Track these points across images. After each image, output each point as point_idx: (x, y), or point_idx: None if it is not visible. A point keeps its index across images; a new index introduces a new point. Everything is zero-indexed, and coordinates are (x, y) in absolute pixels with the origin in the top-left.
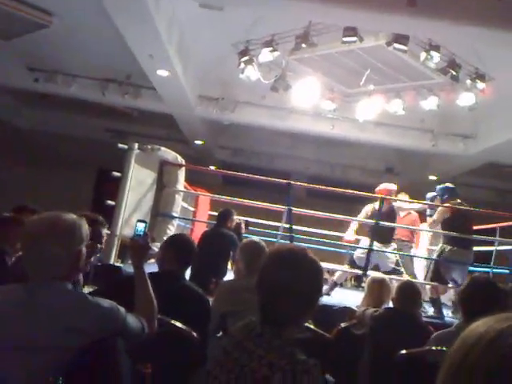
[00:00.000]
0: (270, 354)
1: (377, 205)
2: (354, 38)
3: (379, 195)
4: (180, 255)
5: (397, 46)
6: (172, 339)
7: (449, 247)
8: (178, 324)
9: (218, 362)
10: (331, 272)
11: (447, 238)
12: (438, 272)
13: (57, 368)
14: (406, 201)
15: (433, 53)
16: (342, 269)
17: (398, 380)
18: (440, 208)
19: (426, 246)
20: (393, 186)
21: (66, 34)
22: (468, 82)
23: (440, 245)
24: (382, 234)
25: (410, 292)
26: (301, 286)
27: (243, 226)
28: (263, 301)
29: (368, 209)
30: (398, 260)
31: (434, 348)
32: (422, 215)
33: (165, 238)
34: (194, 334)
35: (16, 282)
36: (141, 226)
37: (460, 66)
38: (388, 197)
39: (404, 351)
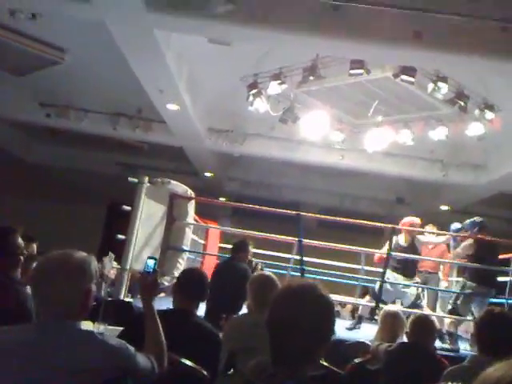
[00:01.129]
0: None
1: (400, 238)
2: (361, 71)
3: (402, 227)
4: (191, 292)
5: (404, 77)
6: (181, 378)
7: (469, 283)
8: (188, 362)
9: None
10: (343, 304)
11: (469, 274)
12: (457, 306)
13: None
14: (433, 232)
15: (440, 84)
16: (357, 301)
17: None
18: (465, 243)
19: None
20: (416, 220)
21: (77, 69)
22: (476, 112)
23: (461, 279)
24: (406, 267)
25: (424, 326)
26: (311, 323)
27: (259, 267)
28: (274, 339)
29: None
30: (418, 294)
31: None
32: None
33: (175, 272)
34: (204, 372)
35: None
36: (151, 263)
37: (468, 96)
38: (412, 228)
39: None
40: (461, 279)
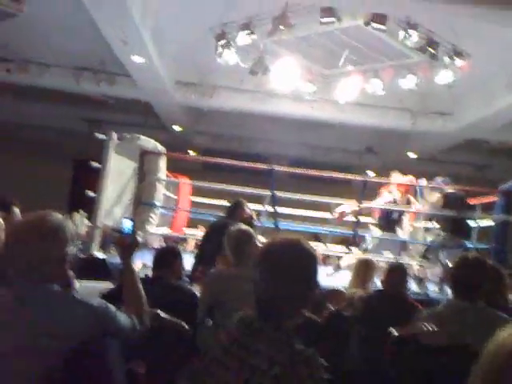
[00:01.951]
0: (270, 349)
1: (396, 195)
2: (332, 19)
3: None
4: (166, 262)
5: (375, 25)
6: (161, 333)
7: (444, 233)
8: (167, 316)
9: (215, 359)
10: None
11: (444, 225)
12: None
13: (47, 372)
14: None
15: (411, 31)
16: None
17: (389, 361)
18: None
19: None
20: (413, 178)
21: (37, 21)
22: (446, 59)
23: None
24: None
25: (398, 273)
26: (296, 278)
27: (255, 217)
28: (259, 295)
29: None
30: None
31: (425, 328)
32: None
33: (147, 227)
34: (184, 325)
35: None
36: (128, 224)
37: (438, 43)
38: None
39: (394, 332)
40: (431, 225)
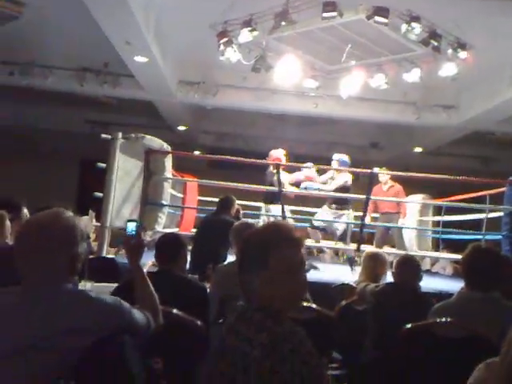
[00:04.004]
0: (250, 331)
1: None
2: (334, 13)
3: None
4: (167, 255)
5: (377, 18)
6: (175, 330)
7: None
8: (180, 313)
9: (215, 349)
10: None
11: None
12: None
13: (61, 369)
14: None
15: (414, 24)
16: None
17: (403, 354)
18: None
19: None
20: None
21: (39, 24)
22: (449, 51)
23: None
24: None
25: (409, 265)
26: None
27: (241, 212)
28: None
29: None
30: (345, 230)
31: (438, 320)
32: None
33: (156, 227)
34: (198, 322)
35: None
36: (132, 226)
37: (441, 36)
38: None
39: (408, 325)
40: None
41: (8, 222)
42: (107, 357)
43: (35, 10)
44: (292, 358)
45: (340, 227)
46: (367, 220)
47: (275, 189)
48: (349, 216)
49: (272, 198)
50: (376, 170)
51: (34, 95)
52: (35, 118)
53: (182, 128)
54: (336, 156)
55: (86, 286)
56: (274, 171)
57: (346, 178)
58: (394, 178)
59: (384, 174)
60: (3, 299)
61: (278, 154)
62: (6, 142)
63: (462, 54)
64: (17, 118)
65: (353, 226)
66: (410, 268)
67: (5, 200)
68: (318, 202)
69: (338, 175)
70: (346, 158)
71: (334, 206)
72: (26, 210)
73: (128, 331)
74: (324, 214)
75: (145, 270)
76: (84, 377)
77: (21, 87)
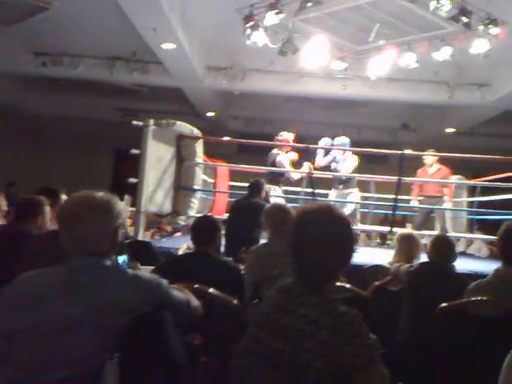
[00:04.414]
0: (312, 312)
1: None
2: None
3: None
4: (202, 238)
5: None
6: (212, 309)
7: None
8: (216, 292)
9: (260, 326)
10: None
11: None
12: None
13: (108, 345)
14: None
15: (443, 1)
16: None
17: (439, 333)
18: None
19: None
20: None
21: (67, 14)
22: (481, 28)
23: None
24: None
25: (444, 244)
26: (333, 245)
27: (269, 194)
28: (297, 260)
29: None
30: (354, 210)
31: (473, 299)
32: None
33: (189, 212)
34: (234, 301)
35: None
36: (122, 260)
37: (471, 12)
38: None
39: (444, 304)
40: None
41: (47, 208)
42: (147, 332)
43: (64, 0)
44: (355, 341)
45: (347, 209)
46: (414, 203)
47: (300, 172)
48: (354, 196)
49: (277, 180)
50: (408, 151)
51: (67, 85)
52: (68, 108)
53: (210, 114)
54: (338, 140)
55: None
56: (282, 152)
57: (355, 159)
58: (441, 161)
59: (429, 157)
60: (47, 278)
61: (289, 137)
62: (42, 131)
63: (494, 30)
64: (51, 107)
65: (359, 206)
66: (444, 247)
67: (44, 187)
68: (325, 183)
69: (349, 157)
70: (347, 140)
71: (340, 186)
72: (64, 196)
73: (166, 307)
74: (332, 195)
75: (180, 253)
76: (126, 352)
77: (53, 77)
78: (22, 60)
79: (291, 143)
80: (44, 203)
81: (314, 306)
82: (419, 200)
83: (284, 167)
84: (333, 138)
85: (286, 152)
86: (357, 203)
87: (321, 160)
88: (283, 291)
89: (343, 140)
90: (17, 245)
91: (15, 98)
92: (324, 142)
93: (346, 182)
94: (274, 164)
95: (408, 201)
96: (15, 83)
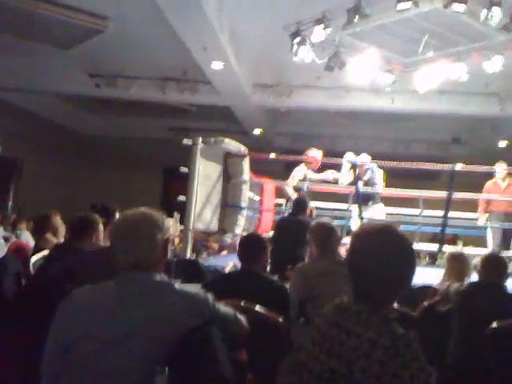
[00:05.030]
0: (369, 332)
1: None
2: (409, 4)
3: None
4: (249, 256)
5: (455, 6)
6: (258, 327)
7: None
8: (262, 310)
9: (315, 342)
10: None
11: None
12: None
13: (158, 358)
14: None
15: (494, 9)
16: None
17: (491, 353)
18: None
19: None
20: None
21: (121, 36)
22: None
23: None
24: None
25: (495, 263)
26: (394, 265)
27: (314, 211)
28: (357, 281)
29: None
30: None
31: None
32: None
33: (235, 229)
34: (280, 318)
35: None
36: None
37: None
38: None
39: (495, 324)
40: None
41: (101, 226)
42: (196, 347)
43: (117, 22)
44: (412, 365)
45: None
46: (481, 220)
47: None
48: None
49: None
50: (459, 165)
51: (120, 105)
52: (121, 128)
53: (257, 132)
54: (361, 158)
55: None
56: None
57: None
58: None
59: (502, 170)
60: (99, 292)
61: (316, 155)
62: (97, 150)
63: None
64: (104, 127)
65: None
66: (495, 266)
67: (100, 206)
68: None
69: (377, 173)
70: (369, 157)
71: (370, 203)
72: (118, 215)
73: (214, 322)
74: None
75: (227, 271)
76: (175, 366)
77: (107, 98)
78: (76, 81)
79: (319, 161)
80: (97, 221)
81: (371, 325)
82: (487, 217)
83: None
84: (358, 154)
85: (314, 169)
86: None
87: (344, 178)
88: (340, 309)
89: (365, 158)
90: (70, 262)
91: (70, 118)
92: (349, 156)
93: (376, 199)
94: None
95: (459, 218)
96: (70, 104)
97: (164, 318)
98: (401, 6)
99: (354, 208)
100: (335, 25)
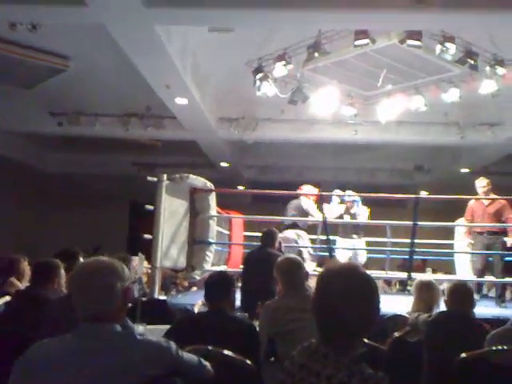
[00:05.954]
0: (340, 374)
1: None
2: (366, 41)
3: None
4: (216, 295)
5: (410, 42)
6: (226, 371)
7: None
8: (230, 353)
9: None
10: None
11: None
12: None
13: None
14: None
15: (448, 44)
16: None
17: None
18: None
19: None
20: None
21: (83, 75)
22: (487, 69)
23: None
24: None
25: (462, 292)
26: (359, 305)
27: (283, 244)
28: (323, 323)
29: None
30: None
31: (494, 348)
32: None
33: (204, 266)
34: (248, 361)
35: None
36: None
37: (477, 54)
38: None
39: (464, 354)
40: None
41: (62, 271)
42: None
43: (79, 61)
44: None
45: (361, 257)
46: (464, 242)
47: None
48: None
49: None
50: (423, 193)
51: (83, 143)
52: (85, 165)
53: (224, 164)
54: (351, 197)
55: (138, 328)
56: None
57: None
58: (494, 190)
59: (484, 185)
60: (57, 346)
61: (312, 190)
62: (60, 189)
63: (500, 71)
64: (68, 165)
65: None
66: (462, 295)
67: (61, 250)
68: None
69: (362, 210)
70: (358, 197)
71: (355, 236)
72: (81, 259)
73: (178, 372)
74: (342, 244)
75: (195, 310)
76: None
77: (70, 136)
78: (38, 120)
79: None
80: (58, 266)
81: (340, 367)
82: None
83: (309, 211)
84: (343, 190)
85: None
86: (370, 250)
87: (333, 211)
88: (308, 351)
89: (355, 197)
90: (35, 310)
91: (33, 156)
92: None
93: (361, 232)
94: (298, 209)
95: (425, 245)
96: (32, 143)
97: (122, 369)
98: (358, 42)
99: (339, 240)
100: (296, 61)
